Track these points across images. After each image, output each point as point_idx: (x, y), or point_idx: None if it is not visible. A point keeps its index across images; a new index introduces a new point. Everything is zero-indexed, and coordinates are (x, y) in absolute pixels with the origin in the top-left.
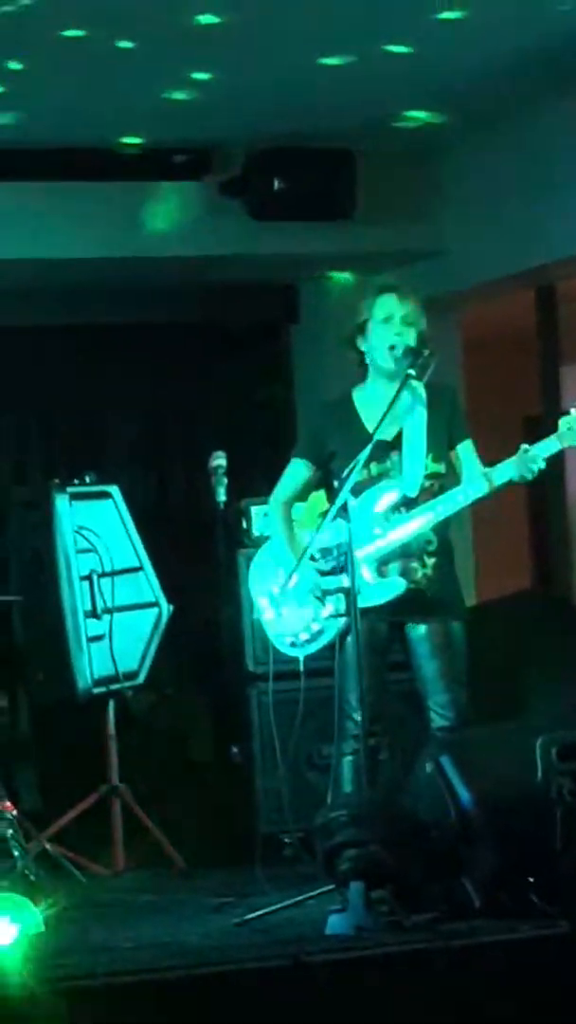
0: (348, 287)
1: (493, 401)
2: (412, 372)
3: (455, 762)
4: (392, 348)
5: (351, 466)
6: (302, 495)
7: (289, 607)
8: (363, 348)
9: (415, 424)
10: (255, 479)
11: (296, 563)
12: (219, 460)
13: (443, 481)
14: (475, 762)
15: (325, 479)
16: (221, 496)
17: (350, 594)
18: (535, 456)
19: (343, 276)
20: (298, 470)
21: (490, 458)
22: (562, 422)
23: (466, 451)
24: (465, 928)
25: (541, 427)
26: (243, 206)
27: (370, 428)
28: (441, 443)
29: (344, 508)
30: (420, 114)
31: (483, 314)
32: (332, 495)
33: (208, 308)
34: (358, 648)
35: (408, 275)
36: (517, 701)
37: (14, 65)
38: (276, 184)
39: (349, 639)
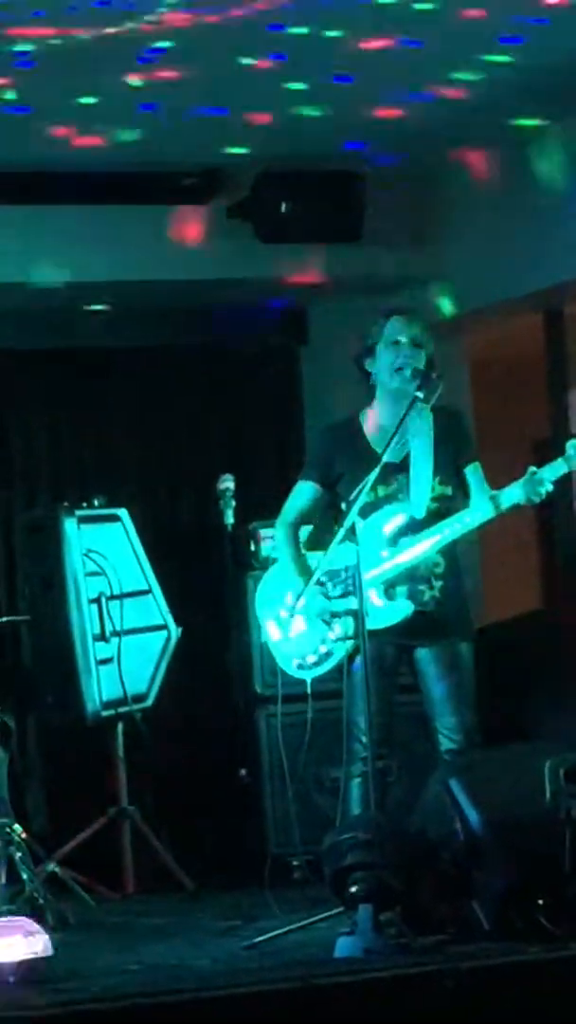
0: (357, 309)
1: (501, 424)
2: (420, 395)
3: (464, 784)
4: (400, 370)
5: (359, 488)
6: (309, 517)
7: (297, 629)
8: (371, 370)
9: (422, 447)
10: (263, 502)
11: (305, 585)
12: (227, 483)
13: (450, 504)
14: (484, 784)
15: (333, 501)
16: (229, 519)
17: (358, 616)
18: (543, 479)
19: (352, 298)
20: (305, 492)
21: (498, 481)
22: (569, 445)
23: (474, 474)
24: (474, 950)
25: (549, 450)
26: (251, 229)
27: (377, 450)
28: (448, 465)
29: (352, 530)
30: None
31: (491, 337)
32: (340, 517)
33: (217, 330)
34: (366, 670)
35: (416, 298)
36: (525, 723)
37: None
38: (284, 207)
39: (357, 661)
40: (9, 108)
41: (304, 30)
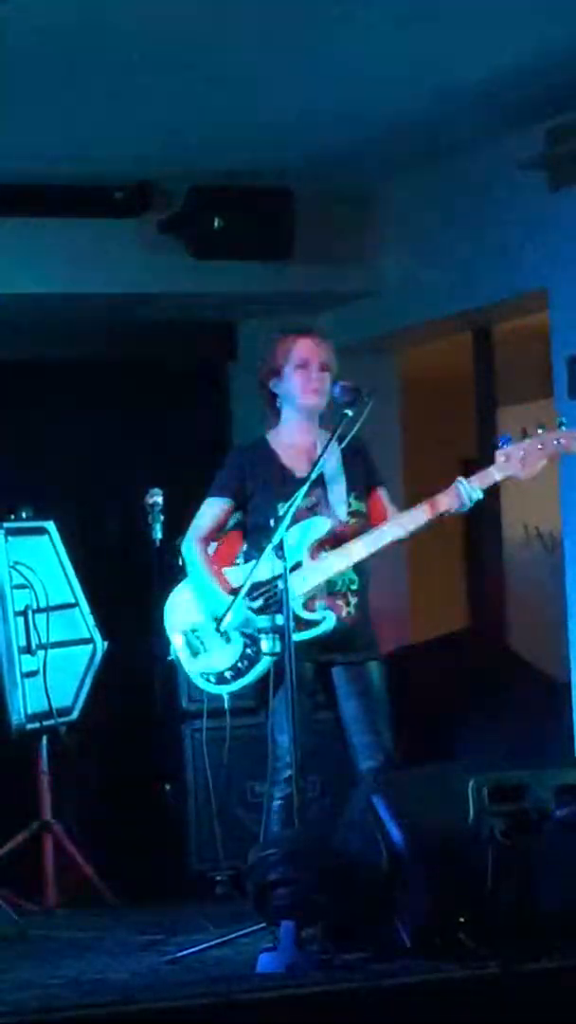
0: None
1: (430, 443)
2: (349, 413)
3: (387, 801)
4: (314, 391)
5: (289, 504)
6: (217, 534)
7: (214, 644)
8: (277, 391)
9: (334, 464)
10: (191, 517)
11: (230, 600)
12: (155, 497)
13: (365, 520)
14: (407, 801)
15: (243, 519)
16: (157, 533)
17: (285, 633)
18: (475, 486)
19: (282, 315)
20: (216, 509)
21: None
22: (498, 454)
23: (383, 494)
24: (395, 968)
25: (477, 469)
26: (183, 244)
27: (291, 468)
28: (359, 484)
29: (280, 547)
30: None
31: (420, 356)
32: (248, 534)
33: (147, 346)
34: (290, 687)
35: (345, 316)
36: (450, 741)
37: None
38: (216, 222)
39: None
40: None
41: (231, 46)
